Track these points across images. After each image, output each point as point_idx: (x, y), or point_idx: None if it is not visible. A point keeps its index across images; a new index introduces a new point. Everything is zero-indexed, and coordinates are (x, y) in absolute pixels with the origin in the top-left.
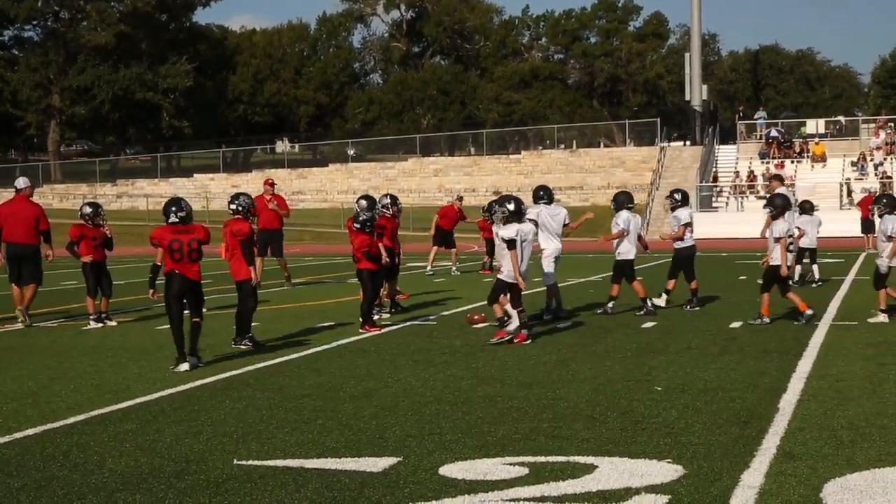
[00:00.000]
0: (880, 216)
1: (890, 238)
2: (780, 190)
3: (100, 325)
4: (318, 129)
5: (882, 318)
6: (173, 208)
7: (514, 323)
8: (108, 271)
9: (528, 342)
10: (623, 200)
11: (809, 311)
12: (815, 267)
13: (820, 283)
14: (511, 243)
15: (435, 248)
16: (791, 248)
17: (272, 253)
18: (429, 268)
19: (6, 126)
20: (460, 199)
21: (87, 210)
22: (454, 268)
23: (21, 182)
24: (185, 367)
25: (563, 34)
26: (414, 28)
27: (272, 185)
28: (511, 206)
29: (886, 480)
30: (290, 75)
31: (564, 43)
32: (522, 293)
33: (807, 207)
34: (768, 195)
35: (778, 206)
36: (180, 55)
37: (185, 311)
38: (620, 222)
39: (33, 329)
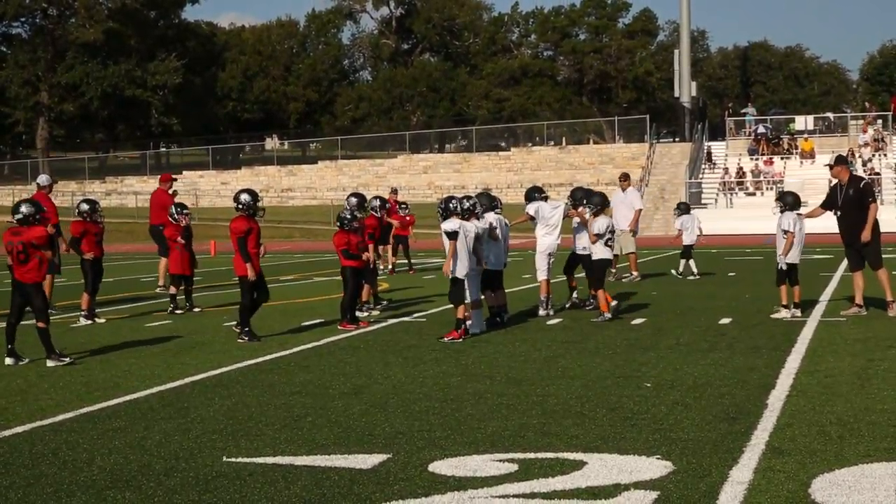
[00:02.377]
0: (781, 212)
1: (786, 233)
2: (630, 190)
3: (89, 321)
4: (308, 126)
5: (784, 313)
6: (16, 210)
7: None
8: (102, 268)
9: (459, 340)
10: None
11: (608, 315)
12: (691, 262)
13: (698, 276)
14: (452, 235)
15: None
16: (609, 242)
17: (160, 252)
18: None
19: None
20: (395, 191)
21: (85, 207)
22: (389, 264)
23: (43, 179)
24: (8, 361)
25: (552, 31)
26: (403, 25)
27: (172, 180)
28: (443, 205)
29: (875, 476)
30: (279, 72)
31: (554, 40)
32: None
33: (683, 208)
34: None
35: (596, 203)
36: (169, 52)
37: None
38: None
39: (22, 326)
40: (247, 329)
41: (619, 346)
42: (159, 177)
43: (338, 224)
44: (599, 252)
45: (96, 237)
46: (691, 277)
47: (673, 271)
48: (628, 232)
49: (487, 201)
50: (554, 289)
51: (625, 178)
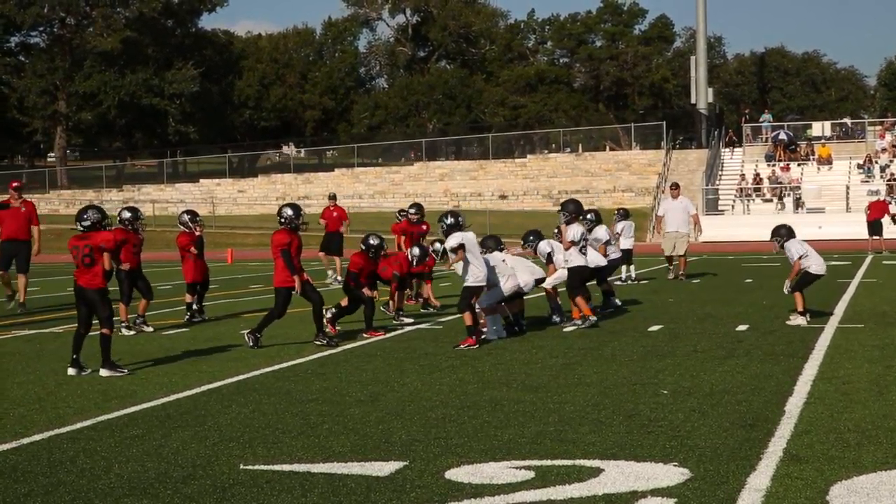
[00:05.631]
0: (781, 247)
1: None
2: (682, 198)
3: (132, 332)
4: (324, 134)
5: (801, 320)
6: (83, 216)
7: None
8: (144, 276)
9: (475, 347)
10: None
11: (593, 318)
12: (632, 267)
13: (636, 282)
14: (459, 248)
15: (321, 253)
16: (583, 249)
17: (17, 267)
18: (334, 275)
19: (13, 132)
20: (333, 197)
21: (127, 215)
22: (337, 277)
23: None
24: (71, 371)
25: (568, 38)
26: (419, 32)
27: (18, 188)
28: (449, 220)
29: (893, 483)
30: (295, 80)
31: (570, 46)
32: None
33: (622, 213)
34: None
35: (570, 211)
36: (186, 60)
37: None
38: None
39: (40, 334)
40: (258, 335)
41: (635, 354)
42: (9, 184)
43: (362, 247)
44: (575, 259)
45: (134, 247)
46: (630, 282)
47: (622, 280)
48: (684, 235)
49: (494, 244)
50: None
51: (675, 187)
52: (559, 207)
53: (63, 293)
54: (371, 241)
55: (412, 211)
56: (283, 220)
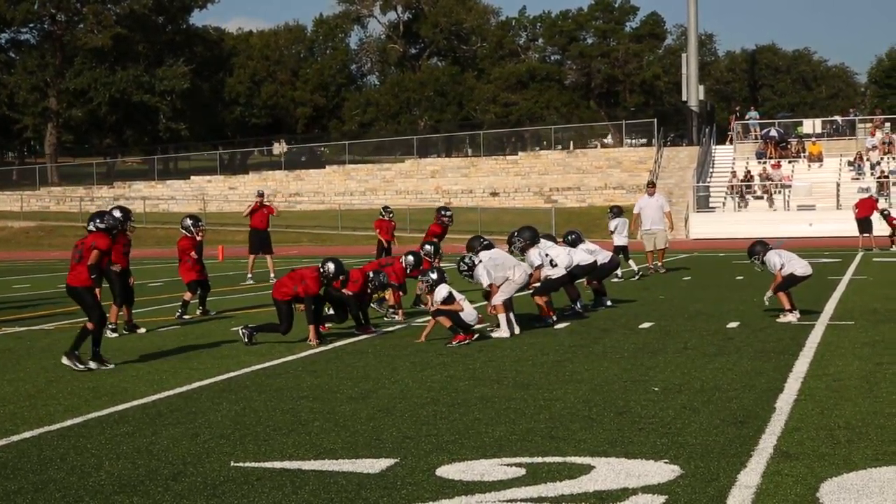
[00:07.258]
0: (761, 263)
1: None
2: (657, 195)
3: (115, 334)
4: (316, 131)
5: (791, 317)
6: (100, 219)
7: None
8: (129, 279)
9: (466, 342)
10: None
11: (552, 319)
12: (631, 262)
13: (637, 277)
14: (448, 300)
15: (252, 256)
16: (553, 263)
17: None
18: (248, 275)
19: (3, 129)
20: (261, 194)
21: (118, 214)
22: (272, 275)
23: None
24: (91, 365)
25: (559, 35)
26: (410, 29)
27: None
28: (433, 275)
29: (883, 479)
30: (286, 77)
31: (561, 44)
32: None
33: (616, 211)
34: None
35: (526, 238)
36: (177, 57)
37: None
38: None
39: (30, 332)
40: (255, 332)
41: (626, 351)
42: None
43: (370, 274)
44: (553, 272)
45: (124, 248)
46: (634, 279)
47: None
48: (663, 230)
49: (477, 244)
50: (554, 297)
51: (651, 185)
52: (516, 233)
53: (53, 290)
54: (382, 280)
55: (447, 212)
56: (322, 272)
